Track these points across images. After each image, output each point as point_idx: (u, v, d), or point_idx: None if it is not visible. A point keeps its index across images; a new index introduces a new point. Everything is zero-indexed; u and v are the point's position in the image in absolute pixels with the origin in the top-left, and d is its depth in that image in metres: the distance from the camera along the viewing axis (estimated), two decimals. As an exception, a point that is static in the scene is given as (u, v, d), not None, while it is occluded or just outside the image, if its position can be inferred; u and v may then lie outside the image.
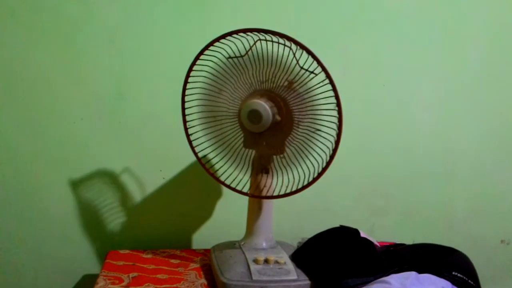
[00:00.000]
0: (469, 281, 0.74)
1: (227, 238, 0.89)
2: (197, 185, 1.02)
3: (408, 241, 0.93)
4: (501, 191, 1.17)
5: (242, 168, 0.80)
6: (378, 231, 1.11)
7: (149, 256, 0.92)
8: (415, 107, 1.11)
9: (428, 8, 1.07)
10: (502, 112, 1.15)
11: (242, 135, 0.78)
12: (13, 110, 0.94)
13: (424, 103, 1.11)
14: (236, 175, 0.80)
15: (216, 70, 0.78)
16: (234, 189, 0.80)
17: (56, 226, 0.98)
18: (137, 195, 1.01)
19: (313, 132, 0.74)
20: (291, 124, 0.75)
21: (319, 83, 0.71)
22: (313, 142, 0.75)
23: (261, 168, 0.79)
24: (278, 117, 0.74)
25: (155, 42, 0.97)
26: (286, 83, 0.74)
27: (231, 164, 0.80)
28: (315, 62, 0.69)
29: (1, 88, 0.93)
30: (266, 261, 0.78)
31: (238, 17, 0.99)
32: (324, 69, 0.69)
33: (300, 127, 0.75)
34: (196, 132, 0.81)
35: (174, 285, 0.79)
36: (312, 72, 0.71)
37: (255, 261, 0.77)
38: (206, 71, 0.78)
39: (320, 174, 0.74)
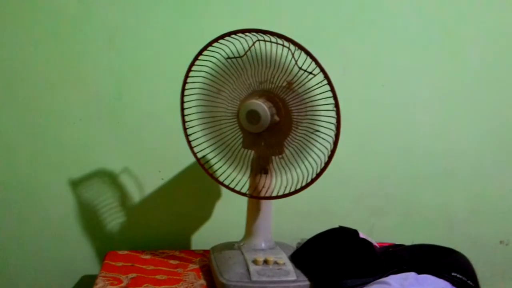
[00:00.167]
0: (468, 281, 0.73)
1: (226, 239, 0.89)
2: (196, 186, 1.02)
3: (408, 242, 0.93)
4: (500, 191, 1.17)
5: (241, 169, 0.80)
6: (378, 232, 1.11)
7: (148, 256, 0.92)
8: (414, 107, 1.11)
9: (427, 8, 1.07)
10: (502, 112, 1.15)
11: (241, 135, 0.78)
12: (12, 110, 0.94)
13: (423, 103, 1.11)
14: (235, 176, 0.80)
15: (215, 71, 0.77)
16: (233, 190, 0.80)
17: (55, 226, 0.98)
18: (136, 195, 1.01)
19: (312, 132, 0.74)
20: (290, 124, 0.75)
21: (317, 83, 0.71)
22: (312, 143, 0.75)
23: (260, 168, 0.79)
24: (276, 118, 0.74)
25: (154, 42, 0.97)
26: (285, 84, 0.74)
27: (230, 165, 0.80)
28: (313, 63, 0.69)
29: (0, 88, 0.93)
30: (265, 261, 0.77)
31: (237, 17, 0.99)
32: (322, 70, 0.69)
33: (299, 127, 0.75)
34: (195, 132, 0.81)
35: (173, 286, 0.79)
36: (310, 73, 0.71)
37: (254, 261, 0.77)
38: (205, 72, 0.78)
39: (318, 175, 0.74)
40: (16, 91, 0.93)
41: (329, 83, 0.69)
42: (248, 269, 0.76)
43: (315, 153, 0.75)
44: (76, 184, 0.98)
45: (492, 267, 1.18)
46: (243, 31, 0.72)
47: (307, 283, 0.76)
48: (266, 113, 0.72)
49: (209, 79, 0.78)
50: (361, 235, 0.83)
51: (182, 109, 0.80)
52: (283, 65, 0.72)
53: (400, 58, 1.08)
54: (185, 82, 0.79)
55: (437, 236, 1.14)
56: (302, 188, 0.75)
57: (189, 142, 0.81)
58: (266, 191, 0.79)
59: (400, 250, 0.86)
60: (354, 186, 1.10)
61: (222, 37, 0.73)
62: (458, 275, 0.73)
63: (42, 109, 0.95)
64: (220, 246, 0.86)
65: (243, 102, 0.76)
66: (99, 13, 0.94)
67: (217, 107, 0.79)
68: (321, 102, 0.72)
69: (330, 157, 0.73)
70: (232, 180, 0.80)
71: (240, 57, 0.75)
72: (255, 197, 0.80)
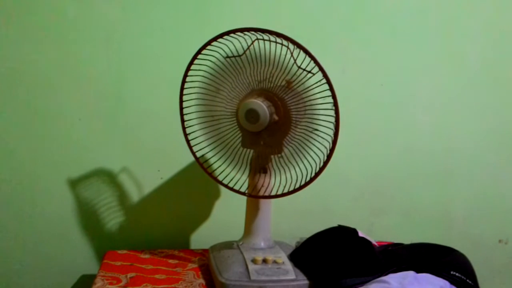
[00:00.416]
0: (467, 280, 0.73)
1: (225, 238, 0.89)
2: (195, 185, 1.02)
3: (407, 241, 0.93)
4: (499, 191, 1.17)
5: (240, 168, 0.80)
6: (377, 231, 1.11)
7: (147, 256, 0.92)
8: (413, 106, 1.11)
9: (427, 8, 1.07)
10: (501, 112, 1.15)
11: (240, 134, 0.78)
12: (11, 110, 0.94)
13: (422, 103, 1.11)
14: (234, 175, 0.80)
15: (214, 70, 0.77)
16: (232, 189, 0.80)
17: (54, 226, 0.98)
18: (135, 195, 1.01)
19: (311, 131, 0.74)
20: (289, 123, 0.75)
21: (316, 82, 0.71)
22: (311, 142, 0.75)
23: (259, 167, 0.79)
24: (275, 117, 0.74)
25: (153, 41, 0.97)
26: (284, 83, 0.74)
27: (229, 164, 0.80)
28: (312, 62, 0.69)
29: (0, 88, 0.93)
30: (265, 261, 0.77)
31: (236, 16, 0.99)
32: (321, 69, 0.69)
33: (298, 126, 0.75)
34: (194, 131, 0.81)
35: (172, 285, 0.79)
36: (309, 72, 0.71)
37: (254, 261, 0.77)
38: (204, 71, 0.78)
39: (317, 174, 0.74)
40: (16, 91, 0.93)
41: (328, 82, 0.69)
42: (247, 268, 0.76)
43: (314, 152, 0.75)
44: (75, 184, 0.98)
45: (491, 266, 1.18)
46: (242, 30, 0.72)
47: (306, 282, 0.76)
48: (265, 112, 0.72)
49: (208, 78, 0.78)
50: (360, 234, 0.83)
51: (181, 108, 0.80)
52: (282, 64, 0.72)
53: (400, 57, 1.08)
54: (184, 82, 0.79)
55: (436, 235, 1.14)
56: (301, 187, 0.75)
57: (188, 141, 0.81)
58: (265, 190, 0.79)
59: (399, 249, 0.86)
60: (353, 185, 1.10)
61: (221, 36, 0.73)
62: (457, 274, 0.73)
63: (42, 109, 0.95)
64: (219, 245, 0.86)
65: (242, 101, 0.76)
66: (97, 12, 0.94)
67: (216, 106, 0.79)
68: (320, 101, 0.72)
69: (329, 156, 0.73)
70: (231, 179, 0.80)
71: (239, 56, 0.75)
72: (254, 196, 0.80)
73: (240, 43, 0.74)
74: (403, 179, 1.12)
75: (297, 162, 0.76)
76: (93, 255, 1.00)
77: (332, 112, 0.71)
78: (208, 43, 0.75)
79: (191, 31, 0.97)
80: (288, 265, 0.78)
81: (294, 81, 0.73)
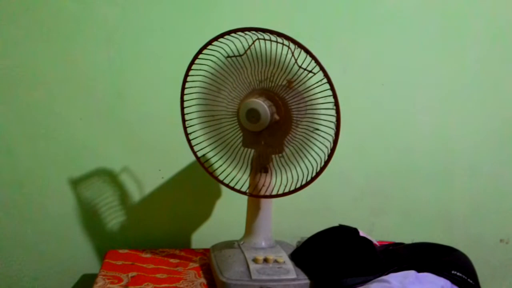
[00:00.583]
0: (468, 280, 0.73)
1: (226, 238, 0.89)
2: (196, 185, 1.02)
3: (408, 241, 0.93)
4: (500, 190, 1.17)
5: (241, 168, 0.80)
6: (378, 231, 1.11)
7: (148, 255, 0.92)
8: (414, 106, 1.11)
9: (428, 8, 1.07)
10: (501, 112, 1.15)
11: (241, 134, 0.78)
12: (12, 110, 0.94)
13: (423, 102, 1.11)
14: (235, 174, 0.80)
15: (215, 69, 0.77)
16: (233, 189, 0.80)
17: (55, 225, 0.98)
18: (136, 194, 1.01)
19: (312, 131, 0.74)
20: (289, 123, 0.75)
21: (317, 82, 0.71)
22: (311, 142, 0.75)
23: (260, 167, 0.79)
24: (276, 116, 0.74)
25: (154, 41, 0.97)
26: (285, 83, 0.74)
27: (230, 164, 0.80)
28: (313, 61, 0.69)
29: (0, 88, 0.93)
30: (266, 260, 0.78)
31: (237, 16, 0.99)
32: (322, 69, 0.69)
33: (299, 126, 0.75)
34: (195, 131, 0.81)
35: (173, 285, 0.79)
36: (310, 71, 0.71)
37: (255, 260, 0.77)
38: (205, 70, 0.78)
39: (318, 174, 0.74)
40: (16, 91, 0.93)
41: (329, 82, 0.69)
42: (248, 268, 0.76)
43: (315, 151, 0.75)
44: (76, 183, 0.98)
45: (492, 266, 1.18)
46: (243, 29, 0.72)
47: (307, 281, 0.76)
48: (266, 111, 0.73)
49: (209, 78, 0.78)
50: (361, 233, 0.83)
51: (182, 108, 0.80)
52: (283, 64, 0.72)
53: (400, 57, 1.08)
54: (185, 81, 0.79)
55: (437, 234, 1.14)
56: (302, 186, 0.75)
57: (189, 141, 0.81)
58: (266, 190, 0.79)
59: (400, 249, 0.86)
60: (354, 185, 1.10)
61: (222, 35, 0.74)
62: (458, 273, 0.73)
63: (42, 108, 0.95)
64: (220, 244, 0.86)
65: (243, 101, 0.76)
66: (98, 12, 0.94)
67: (217, 106, 0.79)
68: (321, 100, 0.72)
69: (330, 156, 0.73)
70: (232, 179, 0.80)
71: (240, 55, 0.75)
72: (255, 196, 0.80)
73: (241, 42, 0.74)
74: (404, 178, 1.12)
75: (298, 162, 0.76)
76: (94, 254, 1.01)
77: (333, 112, 0.71)
78: (209, 43, 0.75)
79: (192, 31, 0.97)
80: (289, 265, 0.78)
81: (295, 80, 0.73)
